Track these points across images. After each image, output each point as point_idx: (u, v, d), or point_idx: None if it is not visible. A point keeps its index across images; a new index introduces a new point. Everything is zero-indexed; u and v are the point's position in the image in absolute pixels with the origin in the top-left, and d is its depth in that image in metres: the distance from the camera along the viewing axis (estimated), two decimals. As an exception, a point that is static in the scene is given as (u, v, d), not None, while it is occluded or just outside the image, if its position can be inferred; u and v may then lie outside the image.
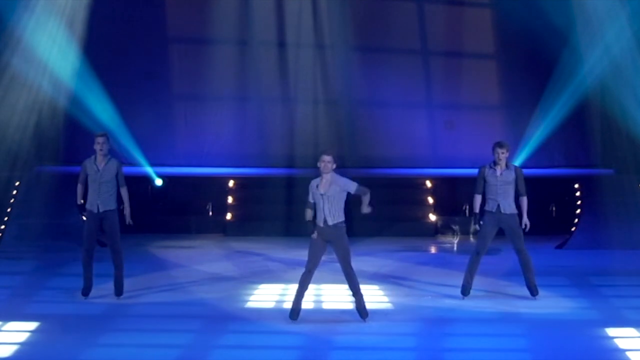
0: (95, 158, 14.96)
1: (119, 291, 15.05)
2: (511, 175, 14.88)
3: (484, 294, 15.45)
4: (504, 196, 14.81)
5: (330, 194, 13.30)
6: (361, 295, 13.52)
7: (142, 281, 16.43)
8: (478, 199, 15.04)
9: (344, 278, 15.95)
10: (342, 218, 13.40)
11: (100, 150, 14.90)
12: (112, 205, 15.00)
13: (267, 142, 22.28)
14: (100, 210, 14.88)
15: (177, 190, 22.32)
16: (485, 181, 14.93)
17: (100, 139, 14.96)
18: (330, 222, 13.31)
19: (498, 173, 14.85)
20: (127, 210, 15.09)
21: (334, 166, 13.42)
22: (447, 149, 22.51)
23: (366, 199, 13.53)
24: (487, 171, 14.93)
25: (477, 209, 15.12)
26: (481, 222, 15.00)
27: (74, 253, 18.25)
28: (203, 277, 17.00)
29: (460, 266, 16.28)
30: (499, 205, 14.81)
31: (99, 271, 16.17)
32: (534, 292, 14.98)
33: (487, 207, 14.94)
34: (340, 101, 22.45)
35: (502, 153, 14.85)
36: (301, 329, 13.19)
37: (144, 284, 16.20)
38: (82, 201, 15.25)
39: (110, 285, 15.30)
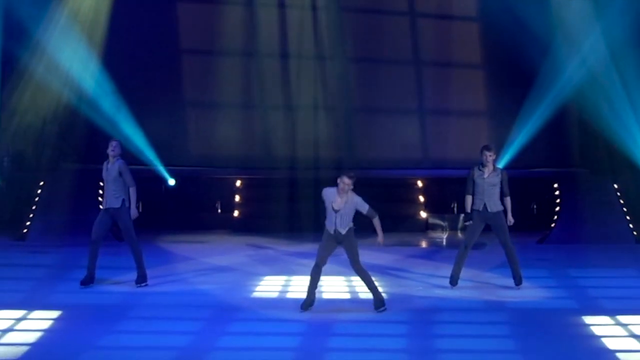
0: (108, 160, 15.05)
1: (140, 279, 15.15)
2: (497, 178, 14.90)
3: (471, 285, 15.47)
4: (489, 196, 14.87)
5: (343, 211, 13.29)
6: (376, 288, 13.56)
7: (156, 273, 16.40)
8: (469, 199, 15.05)
9: (343, 270, 16.03)
10: (351, 224, 13.40)
11: (112, 151, 14.97)
12: (117, 204, 14.98)
13: (271, 145, 22.31)
14: (107, 207, 14.97)
15: (189, 189, 22.31)
16: (473, 182, 14.94)
17: (113, 143, 15.05)
18: (342, 232, 13.32)
19: (485, 175, 14.87)
20: (133, 208, 15.08)
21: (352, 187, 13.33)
22: (437, 152, 22.53)
23: (378, 225, 13.53)
24: (476, 173, 14.93)
25: (468, 209, 15.15)
26: (471, 221, 15.08)
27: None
28: (212, 270, 17.02)
29: (449, 259, 16.30)
30: (485, 204, 14.87)
31: (116, 264, 16.26)
32: (517, 282, 15.02)
33: (474, 207, 14.98)
34: (339, 107, 22.47)
35: (490, 156, 14.89)
36: (303, 317, 13.19)
37: (158, 276, 16.18)
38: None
39: (126, 277, 15.39)
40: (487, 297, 14.70)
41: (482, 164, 14.93)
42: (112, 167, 15.03)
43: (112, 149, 15.04)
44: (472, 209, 15.04)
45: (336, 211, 13.28)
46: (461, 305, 14.16)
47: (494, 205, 14.90)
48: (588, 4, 20.71)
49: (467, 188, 15.04)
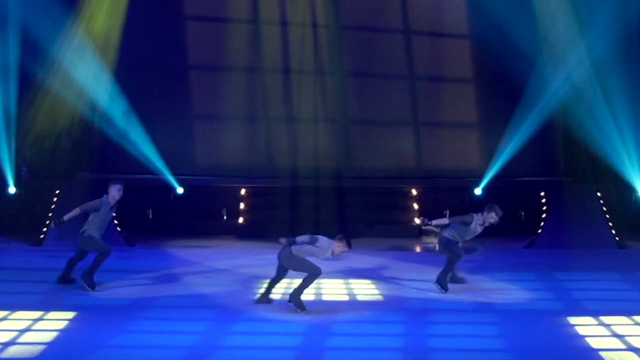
0: (108, 201, 15.08)
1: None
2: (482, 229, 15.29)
3: (461, 287, 15.47)
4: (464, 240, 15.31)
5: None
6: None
7: (165, 276, 16.45)
8: (445, 221, 15.38)
9: (341, 274, 16.07)
10: None
11: (122, 196, 15.15)
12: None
13: (274, 155, 22.32)
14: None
15: (196, 197, 22.33)
16: (465, 224, 15.14)
17: (119, 186, 15.13)
18: None
19: (478, 231, 15.22)
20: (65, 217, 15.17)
21: None
22: (430, 162, 22.55)
23: None
24: (474, 224, 15.13)
25: (436, 223, 15.43)
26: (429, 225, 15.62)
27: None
28: (218, 273, 17.01)
29: (442, 264, 16.30)
30: (458, 242, 15.22)
31: (127, 267, 16.31)
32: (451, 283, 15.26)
33: (450, 236, 15.21)
34: (337, 120, 22.50)
35: (495, 222, 15.18)
36: (303, 317, 13.21)
37: (167, 279, 16.22)
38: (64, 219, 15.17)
39: (137, 280, 15.51)
40: (478, 299, 14.69)
41: (483, 222, 15.16)
42: (113, 209, 15.26)
43: (120, 192, 15.16)
44: (445, 236, 15.22)
45: (319, 258, 13.71)
46: (453, 306, 14.16)
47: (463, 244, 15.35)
48: (573, 23, 20.77)
49: (455, 219, 15.30)
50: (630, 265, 17.87)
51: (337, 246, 13.58)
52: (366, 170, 22.37)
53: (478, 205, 20.98)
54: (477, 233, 15.29)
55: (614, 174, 20.54)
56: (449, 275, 15.19)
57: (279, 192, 21.75)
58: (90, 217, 15.13)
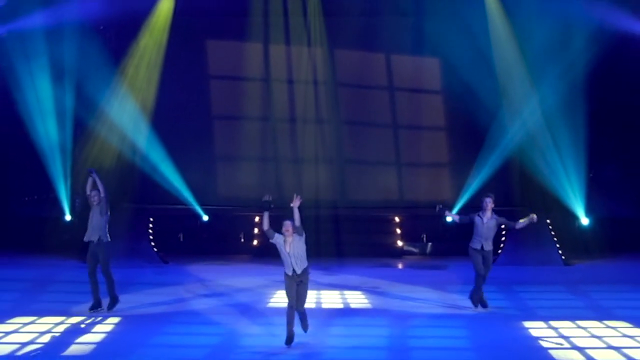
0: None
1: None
2: (493, 222, 14.29)
3: (436, 298, 15.53)
4: (486, 238, 14.24)
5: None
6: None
7: (193, 289, 16.51)
8: (456, 217, 14.58)
9: (337, 285, 16.12)
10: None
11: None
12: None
13: (282, 189, 22.34)
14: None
15: (219, 223, 22.36)
16: (474, 223, 14.29)
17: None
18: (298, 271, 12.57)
19: (484, 220, 14.26)
20: None
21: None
22: (410, 195, 22.59)
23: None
24: (477, 219, 14.25)
25: (450, 216, 14.81)
26: (441, 207, 14.47)
27: (143, 269, 18.36)
28: (237, 286, 17.05)
29: (420, 278, 16.36)
30: (482, 245, 14.25)
31: (162, 280, 16.34)
32: (484, 305, 14.46)
33: (473, 245, 14.24)
34: (334, 160, 22.57)
35: (489, 203, 14.27)
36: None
37: (194, 291, 16.28)
38: None
39: (170, 291, 15.59)
40: (449, 307, 14.76)
41: (482, 211, 14.27)
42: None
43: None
44: (471, 247, 14.28)
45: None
46: (429, 313, 14.21)
47: (488, 246, 14.32)
48: (527, 81, 20.94)
49: (464, 217, 14.45)
50: (574, 280, 17.88)
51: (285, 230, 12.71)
52: (358, 202, 22.40)
53: (451, 231, 21.26)
54: (487, 225, 14.10)
55: (561, 204, 20.63)
56: (478, 292, 14.35)
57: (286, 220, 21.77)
58: (105, 223, 14.58)
